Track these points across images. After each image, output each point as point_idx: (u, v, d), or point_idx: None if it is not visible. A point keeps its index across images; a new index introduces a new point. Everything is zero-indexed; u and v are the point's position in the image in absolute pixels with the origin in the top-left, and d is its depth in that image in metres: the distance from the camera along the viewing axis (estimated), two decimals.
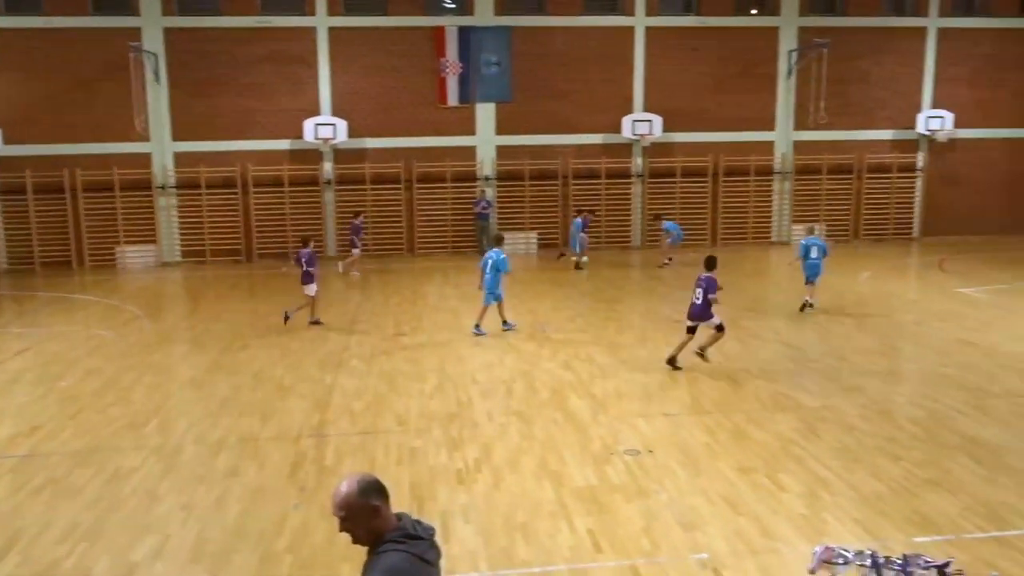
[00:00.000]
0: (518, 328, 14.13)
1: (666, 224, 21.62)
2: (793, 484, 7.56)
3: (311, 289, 14.56)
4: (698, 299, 11.36)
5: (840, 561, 4.30)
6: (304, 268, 14.45)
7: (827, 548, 4.39)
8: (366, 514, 3.10)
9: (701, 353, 11.54)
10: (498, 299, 13.93)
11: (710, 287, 11.29)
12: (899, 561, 4.25)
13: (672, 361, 11.53)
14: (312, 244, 15.06)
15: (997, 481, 7.58)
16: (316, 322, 14.72)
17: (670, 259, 21.28)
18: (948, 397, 10.10)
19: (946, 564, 4.28)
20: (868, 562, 4.26)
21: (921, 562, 4.26)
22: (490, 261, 13.84)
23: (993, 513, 6.90)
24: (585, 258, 21.03)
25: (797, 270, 15.87)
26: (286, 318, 14.58)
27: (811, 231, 16.49)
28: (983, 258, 20.90)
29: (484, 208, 23.48)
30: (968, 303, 15.82)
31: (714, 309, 11.40)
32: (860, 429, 9.01)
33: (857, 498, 7.24)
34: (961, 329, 13.72)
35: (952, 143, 25.36)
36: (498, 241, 14.50)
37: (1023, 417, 9.36)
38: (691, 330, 11.56)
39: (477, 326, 13.89)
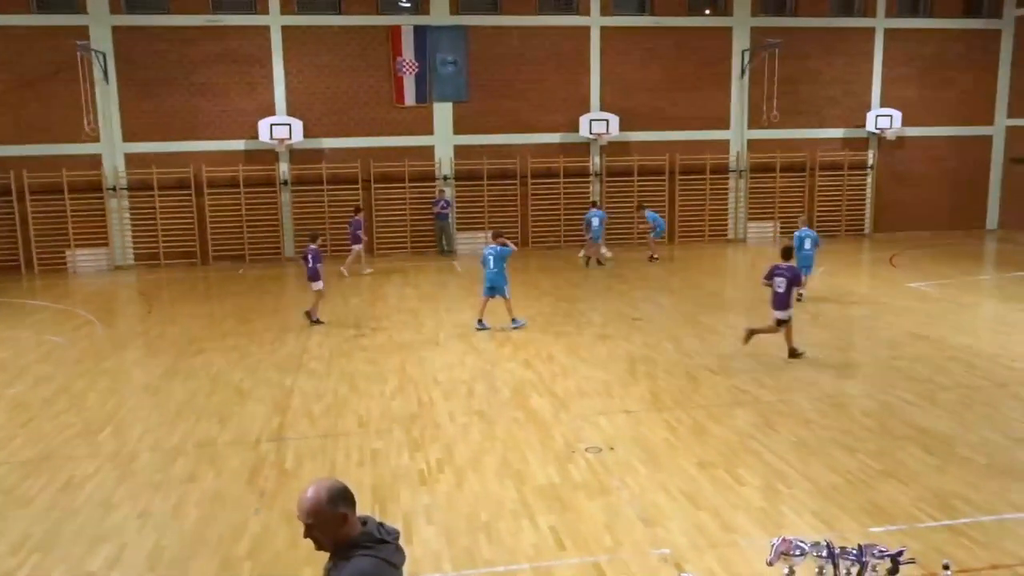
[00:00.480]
0: (527, 325, 14.21)
1: (649, 214, 21.74)
2: (752, 478, 7.68)
3: (318, 285, 14.78)
4: (780, 288, 11.58)
5: (797, 553, 4.37)
6: (311, 265, 14.66)
7: (785, 540, 4.46)
8: (334, 522, 3.08)
9: (750, 333, 11.93)
10: (504, 294, 14.04)
11: (796, 277, 11.73)
12: (854, 551, 4.34)
13: (793, 352, 11.79)
14: (320, 241, 15.39)
15: (947, 471, 7.78)
16: (317, 321, 14.74)
17: (656, 256, 21.64)
18: (900, 389, 10.34)
19: (899, 553, 4.38)
20: (824, 553, 4.34)
21: (875, 552, 4.35)
22: (491, 256, 13.97)
23: (944, 502, 7.09)
24: (605, 251, 21.21)
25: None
26: (309, 317, 14.73)
27: (804, 223, 16.88)
28: (932, 253, 21.43)
29: (443, 208, 23.42)
30: (918, 297, 16.21)
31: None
32: (816, 422, 9.19)
33: (814, 490, 7.39)
34: (912, 323, 14.06)
35: (901, 141, 25.94)
36: (497, 235, 14.59)
37: (971, 408, 9.62)
38: (780, 322, 11.79)
39: (480, 321, 14.00)
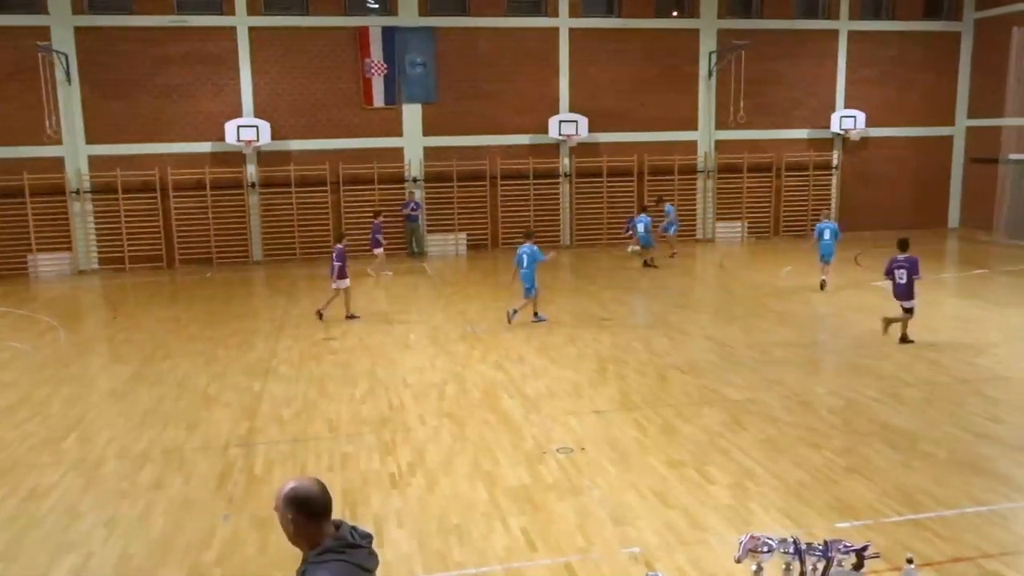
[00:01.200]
0: (550, 321, 14.54)
1: (668, 208, 22.25)
2: (720, 476, 7.76)
3: (344, 283, 15.14)
4: (902, 279, 12.29)
5: (765, 549, 4.43)
6: (336, 263, 15.03)
7: (752, 537, 4.51)
8: (286, 523, 3.09)
9: (893, 325, 12.62)
10: (534, 292, 14.47)
11: (914, 268, 12.31)
12: (820, 547, 4.41)
13: (905, 339, 12.45)
14: (345, 240, 15.81)
15: (911, 466, 7.92)
16: (321, 314, 15.26)
17: (675, 252, 21.85)
18: (865, 387, 10.50)
19: (864, 548, 4.45)
20: (791, 549, 4.40)
21: (841, 547, 4.42)
22: (525, 256, 14.31)
23: (908, 497, 7.21)
24: (637, 248, 21.25)
25: (809, 252, 17.75)
26: (349, 316, 15.27)
27: (826, 216, 18.07)
28: (896, 252, 21.72)
29: (413, 210, 23.36)
30: (882, 295, 16.40)
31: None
32: (783, 420, 9.30)
33: (781, 487, 7.48)
34: (876, 321, 14.26)
35: (864, 142, 26.35)
36: (529, 236, 14.94)
37: (934, 404, 9.80)
38: (908, 310, 12.46)
39: (536, 314, 14.53)
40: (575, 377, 11.22)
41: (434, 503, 7.35)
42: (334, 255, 15.22)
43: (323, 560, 3.03)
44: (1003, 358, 11.72)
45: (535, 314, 14.62)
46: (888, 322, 12.78)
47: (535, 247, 14.54)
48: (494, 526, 6.87)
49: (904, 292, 12.41)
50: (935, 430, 8.91)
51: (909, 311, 12.48)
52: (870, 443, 8.55)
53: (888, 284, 12.76)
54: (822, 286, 16.93)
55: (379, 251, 20.28)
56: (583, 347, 12.84)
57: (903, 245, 12.68)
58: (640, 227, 20.66)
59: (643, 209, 21.69)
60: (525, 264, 14.34)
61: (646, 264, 20.69)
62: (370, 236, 20.58)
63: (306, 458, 8.52)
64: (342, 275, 15.08)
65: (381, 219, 20.72)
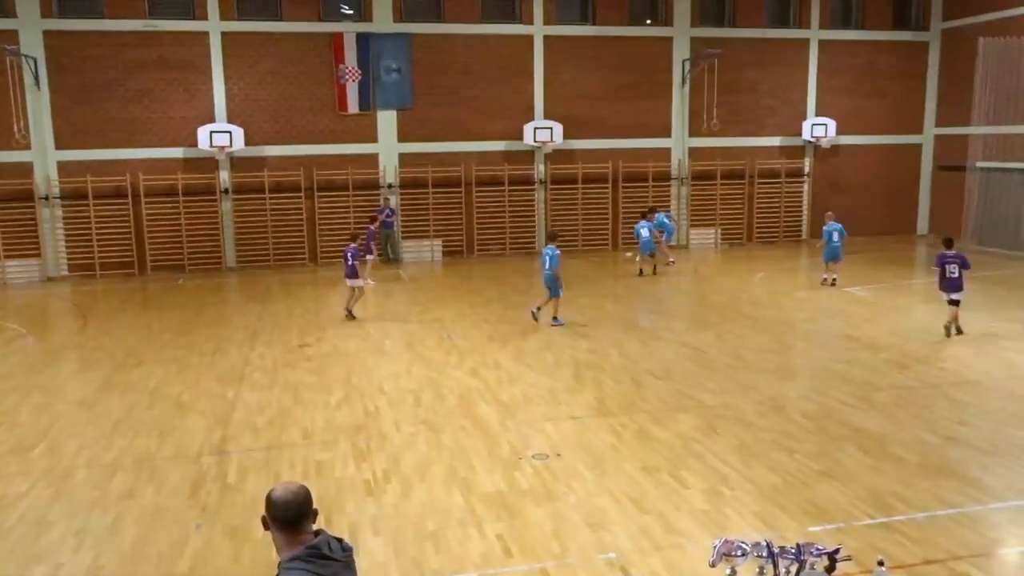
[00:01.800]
0: (565, 325, 14.69)
1: (658, 217, 21.74)
2: (695, 481, 7.81)
3: (357, 282, 15.71)
4: (954, 274, 13.16)
5: (739, 553, 4.48)
6: (349, 263, 15.52)
7: (726, 541, 4.56)
8: (276, 526, 3.09)
9: (958, 328, 13.28)
10: (555, 293, 14.76)
11: (964, 262, 13.19)
12: (793, 550, 4.46)
13: (958, 330, 13.25)
14: (359, 240, 16.52)
15: (882, 469, 8.03)
16: (351, 315, 15.69)
17: (672, 260, 21.72)
18: (836, 391, 10.63)
19: (836, 551, 4.52)
20: (764, 553, 4.45)
21: (813, 550, 4.48)
22: (548, 257, 14.69)
23: (879, 500, 7.31)
24: (638, 257, 21.00)
25: (816, 252, 19.07)
26: (349, 314, 15.71)
27: (831, 218, 18.61)
28: (866, 258, 22.05)
29: (388, 216, 23.29)
30: (853, 301, 16.67)
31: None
32: (757, 425, 9.39)
33: (755, 492, 7.54)
34: (847, 326, 14.46)
35: (835, 149, 26.68)
36: (552, 238, 15.36)
37: (904, 407, 9.94)
38: (954, 302, 13.27)
39: (555, 318, 14.74)
40: (551, 383, 11.24)
41: (410, 510, 7.33)
42: (348, 254, 15.67)
43: (290, 567, 3.02)
44: (971, 363, 11.91)
45: (554, 317, 14.79)
46: (948, 327, 13.35)
47: (556, 252, 14.81)
48: (470, 533, 6.87)
49: (956, 285, 13.27)
50: (905, 433, 9.04)
51: (957, 303, 13.30)
52: (842, 447, 8.65)
53: (936, 278, 13.69)
54: (832, 283, 17.82)
55: (369, 258, 20.16)
56: (559, 353, 12.87)
57: (949, 243, 13.68)
58: (644, 232, 20.33)
59: (643, 215, 21.31)
60: (547, 265, 14.71)
61: (641, 273, 20.43)
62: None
63: (280, 466, 8.46)
64: (354, 274, 15.58)
65: (376, 224, 20.83)
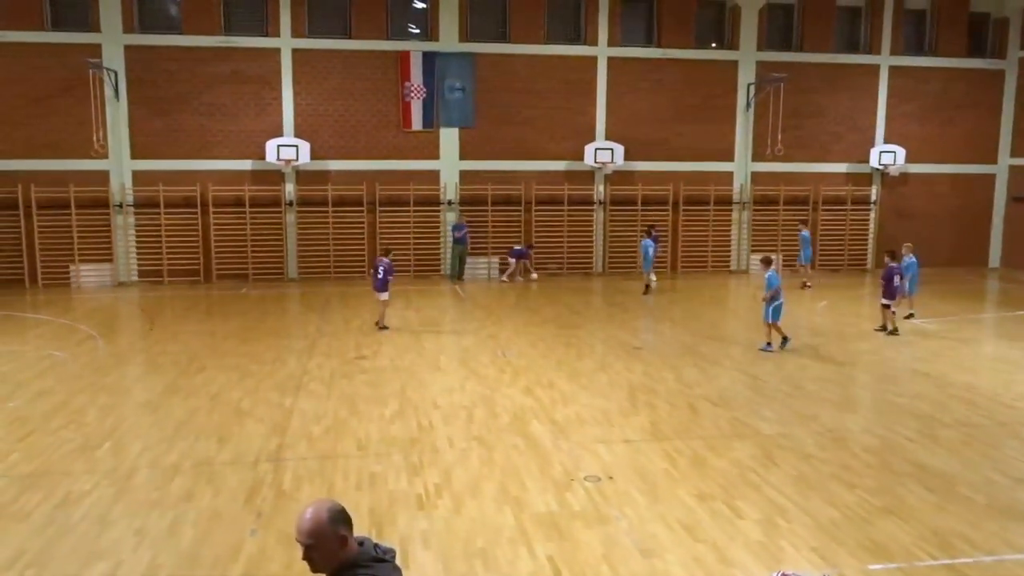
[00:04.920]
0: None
1: (802, 234, 22.72)
2: (751, 511, 7.64)
3: (385, 296, 16.03)
4: (895, 283, 15.29)
5: None
6: (381, 276, 15.82)
7: (783, 574, 4.45)
8: (334, 543, 3.07)
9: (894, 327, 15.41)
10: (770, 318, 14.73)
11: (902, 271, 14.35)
12: None
13: (891, 328, 15.51)
14: (392, 255, 16.85)
15: (948, 509, 7.74)
16: (384, 327, 16.08)
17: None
18: (900, 426, 10.31)
19: None
20: None
21: None
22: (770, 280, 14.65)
23: (944, 541, 7.05)
24: (653, 277, 21.24)
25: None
26: (378, 326, 16.17)
27: (910, 250, 18.16)
28: (933, 290, 21.42)
29: (464, 233, 23.43)
30: (920, 333, 16.20)
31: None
32: (816, 457, 9.15)
33: (813, 525, 7.35)
34: (913, 359, 14.04)
35: (904, 177, 26.08)
36: (768, 262, 15.19)
37: (972, 446, 9.59)
38: (887, 306, 15.68)
39: (769, 344, 14.63)
40: (605, 405, 11.16)
41: (460, 526, 7.33)
42: (380, 267, 15.88)
43: (366, 569, 3.06)
44: None
45: (772, 342, 14.64)
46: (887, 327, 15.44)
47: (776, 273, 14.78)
48: (520, 552, 6.83)
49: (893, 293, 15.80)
50: (973, 473, 8.71)
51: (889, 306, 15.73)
52: (905, 484, 8.37)
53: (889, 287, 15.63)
54: (909, 317, 17.41)
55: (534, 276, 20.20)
56: (614, 375, 12.78)
57: (892, 255, 16.35)
58: (650, 251, 20.90)
59: (648, 233, 21.75)
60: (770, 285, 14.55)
61: (647, 291, 20.80)
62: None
63: (334, 476, 8.55)
64: (383, 288, 15.86)
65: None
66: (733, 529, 7.26)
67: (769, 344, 14.52)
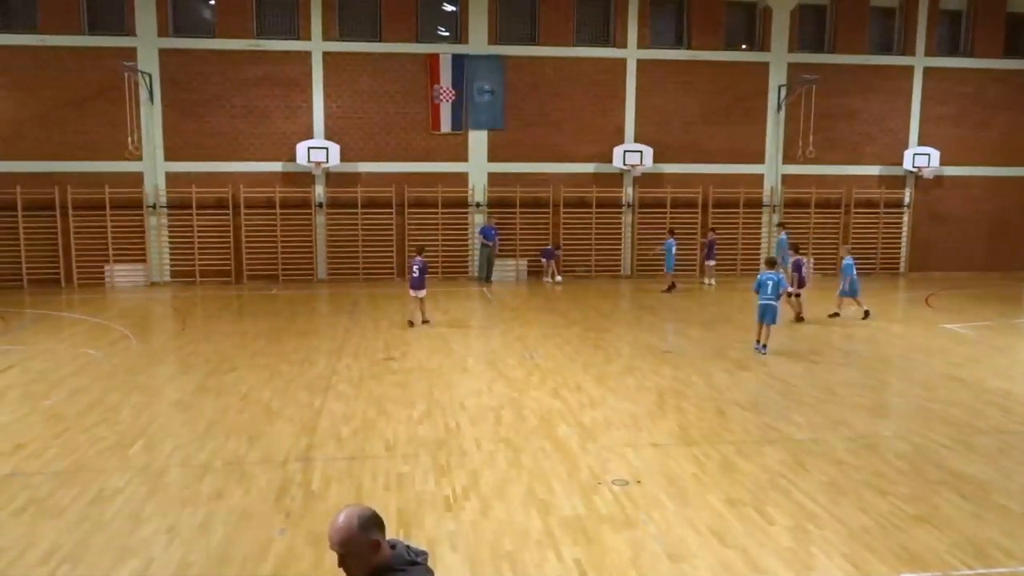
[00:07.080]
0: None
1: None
2: (780, 517, 7.56)
3: (422, 293, 16.49)
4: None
5: None
6: (418, 274, 16.33)
7: None
8: (368, 549, 3.09)
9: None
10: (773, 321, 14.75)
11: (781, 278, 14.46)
12: None
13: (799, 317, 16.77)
14: (425, 253, 17.44)
15: (984, 517, 7.60)
16: (426, 321, 16.71)
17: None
18: (934, 432, 10.15)
19: None
20: None
21: None
22: (770, 283, 14.63)
23: (980, 550, 6.92)
24: (712, 280, 22.25)
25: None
26: (411, 323, 16.66)
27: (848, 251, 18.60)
28: (968, 294, 21.10)
29: (492, 237, 23.49)
30: (954, 339, 15.94)
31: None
32: (847, 463, 9.03)
33: (844, 532, 7.25)
34: (947, 364, 13.82)
35: (938, 180, 25.69)
36: (771, 264, 15.32)
37: (1008, 453, 9.41)
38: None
39: (764, 345, 14.65)
40: (633, 408, 11.10)
41: (488, 528, 7.32)
42: (415, 266, 16.35)
43: (403, 570, 3.08)
44: None
45: (762, 343, 14.70)
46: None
47: (780, 277, 14.86)
48: (547, 555, 6.81)
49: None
50: (1010, 481, 8.54)
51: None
52: (939, 491, 8.23)
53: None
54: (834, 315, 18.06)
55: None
56: (642, 378, 12.71)
57: (796, 248, 18.22)
58: (674, 250, 21.50)
59: (671, 233, 22.29)
60: (770, 291, 14.55)
61: (670, 289, 21.50)
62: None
63: (363, 476, 8.59)
64: (420, 285, 16.33)
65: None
66: (763, 535, 7.19)
67: (761, 343, 14.61)
